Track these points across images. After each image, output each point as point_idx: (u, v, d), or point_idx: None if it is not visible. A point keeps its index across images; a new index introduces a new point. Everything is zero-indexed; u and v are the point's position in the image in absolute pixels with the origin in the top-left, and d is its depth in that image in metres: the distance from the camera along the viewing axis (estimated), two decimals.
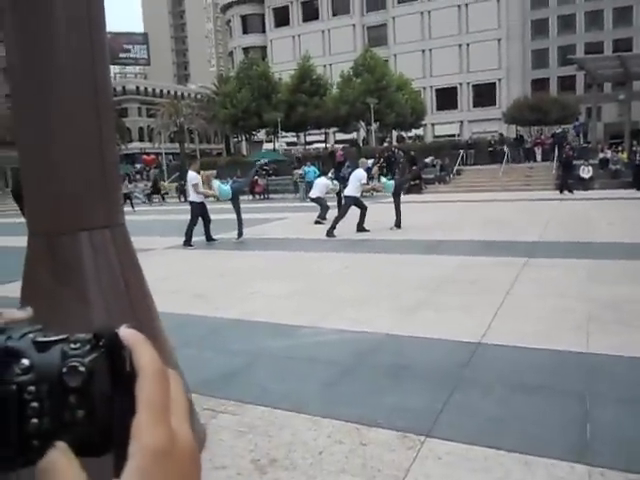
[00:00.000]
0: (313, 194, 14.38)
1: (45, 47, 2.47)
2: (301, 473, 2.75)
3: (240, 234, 11.29)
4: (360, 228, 11.74)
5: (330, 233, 11.26)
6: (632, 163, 22.39)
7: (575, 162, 22.56)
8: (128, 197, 24.92)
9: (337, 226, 11.41)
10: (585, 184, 21.52)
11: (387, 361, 4.22)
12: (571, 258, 7.62)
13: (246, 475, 2.76)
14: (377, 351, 4.47)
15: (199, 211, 10.91)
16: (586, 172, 22.15)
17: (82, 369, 0.33)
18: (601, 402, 3.35)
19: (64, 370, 0.33)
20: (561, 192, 19.88)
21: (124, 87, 72.67)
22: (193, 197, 11.03)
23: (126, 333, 0.37)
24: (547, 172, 24.28)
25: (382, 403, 3.47)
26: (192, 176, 10.97)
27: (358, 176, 11.80)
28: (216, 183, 11.41)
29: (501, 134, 34.87)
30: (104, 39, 2.74)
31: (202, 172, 11.54)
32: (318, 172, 22.31)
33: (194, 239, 10.86)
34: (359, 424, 3.19)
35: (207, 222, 11.11)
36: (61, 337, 0.35)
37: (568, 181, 20.39)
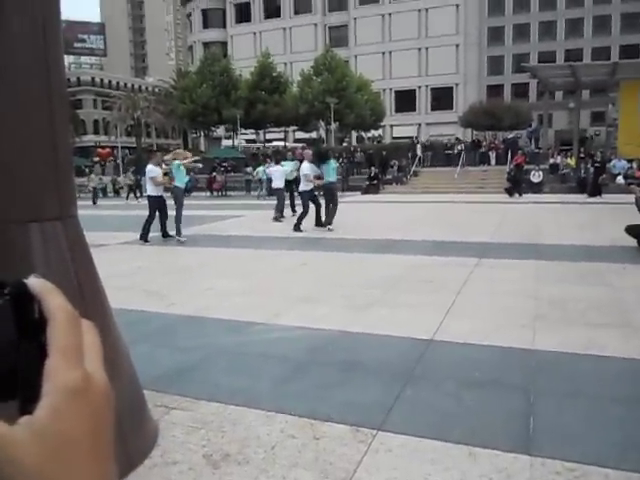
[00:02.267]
0: (275, 184, 14.57)
1: None
2: (254, 467, 2.76)
3: (179, 232, 10.86)
4: (318, 223, 11.88)
5: (297, 228, 11.58)
6: (579, 169, 23.30)
7: (527, 167, 23.32)
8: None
9: (303, 222, 11.67)
10: (535, 188, 22.24)
11: (340, 357, 4.28)
12: (520, 259, 7.88)
13: (198, 470, 2.76)
14: (330, 347, 4.52)
15: (157, 205, 10.72)
16: (537, 176, 22.90)
17: None
18: (544, 396, 3.49)
19: None
20: (511, 195, 20.50)
21: (79, 78, 70.58)
22: (151, 191, 10.84)
23: (34, 282, 0.37)
24: (500, 176, 24.97)
25: (335, 398, 3.52)
26: (150, 168, 10.75)
27: (303, 170, 11.92)
28: (176, 163, 11.08)
29: (457, 138, 35.66)
30: (58, 28, 2.68)
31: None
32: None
33: (150, 235, 10.69)
34: (312, 419, 3.23)
35: (164, 218, 10.92)
36: None
37: (519, 186, 21.05)
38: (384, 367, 4.05)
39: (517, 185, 21.03)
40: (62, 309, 0.36)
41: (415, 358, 4.17)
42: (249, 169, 29.05)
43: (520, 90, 51.68)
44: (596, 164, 21.37)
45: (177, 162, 11.00)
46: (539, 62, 46.05)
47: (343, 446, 2.94)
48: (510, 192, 20.72)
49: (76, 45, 73.79)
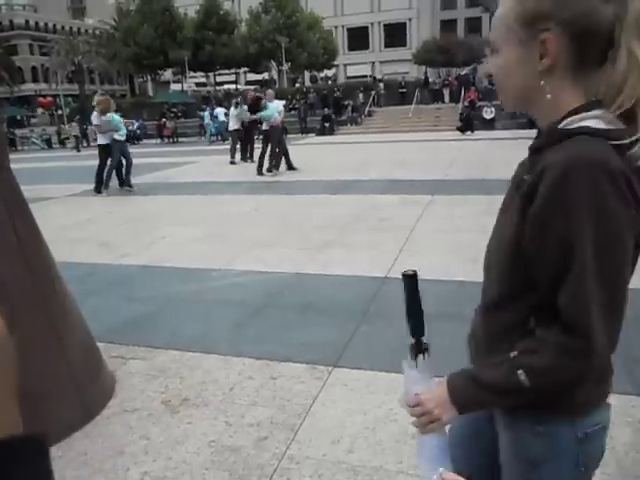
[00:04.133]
0: (231, 126, 14.47)
1: None
2: (213, 409, 2.81)
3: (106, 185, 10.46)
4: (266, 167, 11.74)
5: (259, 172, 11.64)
6: None
7: (480, 103, 23.38)
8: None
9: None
10: (488, 125, 22.42)
11: (296, 300, 4.32)
12: (471, 194, 8.01)
13: (157, 416, 2.79)
14: (286, 290, 4.56)
15: (106, 153, 10.32)
16: (489, 113, 23.04)
17: None
18: None
19: None
20: (463, 132, 20.65)
21: (11, 21, 65.76)
22: (100, 140, 10.44)
23: None
24: (454, 113, 25.01)
25: (292, 339, 3.58)
26: (94, 116, 10.29)
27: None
28: (116, 117, 10.56)
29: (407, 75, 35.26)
30: None
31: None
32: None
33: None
34: (269, 360, 3.29)
35: (102, 166, 10.44)
36: None
37: (470, 123, 21.17)
38: (340, 307, 4.12)
39: (469, 123, 21.15)
40: None
41: (370, 296, 4.25)
42: (204, 113, 28.14)
43: (473, 25, 51.14)
44: None
45: (117, 116, 10.47)
46: None
47: (300, 383, 3.01)
48: (462, 130, 20.84)
49: None
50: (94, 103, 10.56)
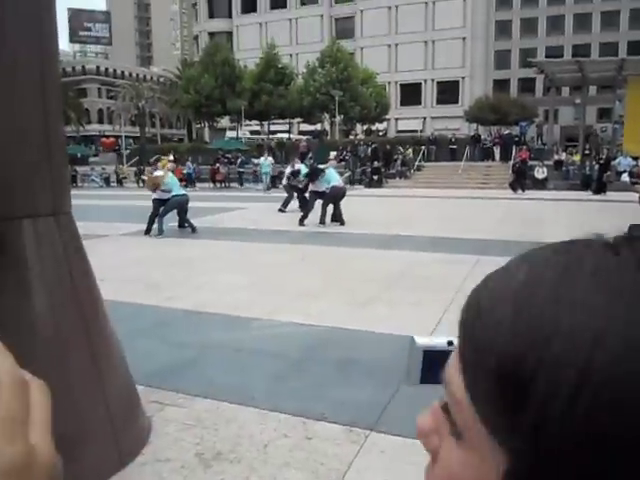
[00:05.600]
0: (285, 181, 15.16)
1: None
2: (245, 466, 2.76)
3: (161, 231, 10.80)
4: (322, 220, 11.92)
5: (301, 222, 11.95)
6: (583, 166, 23.18)
7: (531, 163, 23.17)
8: None
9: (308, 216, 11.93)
10: (539, 184, 22.14)
11: (337, 355, 4.26)
12: None
13: (190, 468, 2.75)
14: (327, 345, 4.51)
15: (175, 205, 10.80)
16: (541, 173, 22.78)
17: None
18: None
19: None
20: (515, 191, 20.43)
21: (84, 67, 70.46)
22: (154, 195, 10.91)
23: None
24: (504, 171, 24.86)
25: (329, 397, 3.51)
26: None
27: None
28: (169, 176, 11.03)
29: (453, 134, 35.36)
30: (53, 20, 2.65)
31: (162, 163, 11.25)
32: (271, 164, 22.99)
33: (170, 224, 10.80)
34: (305, 418, 3.22)
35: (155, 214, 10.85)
36: None
37: (522, 181, 20.95)
38: (381, 365, 4.03)
39: (521, 178, 20.94)
40: (7, 373, 0.33)
41: None
42: (258, 160, 28.91)
43: (526, 85, 51.35)
44: (601, 161, 21.22)
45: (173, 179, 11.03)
46: (546, 57, 45.69)
47: (335, 446, 2.93)
48: (514, 187, 20.62)
49: (81, 33, 73.70)
50: (161, 164, 11.26)
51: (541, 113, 40.08)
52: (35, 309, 2.55)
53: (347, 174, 24.46)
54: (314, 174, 12.36)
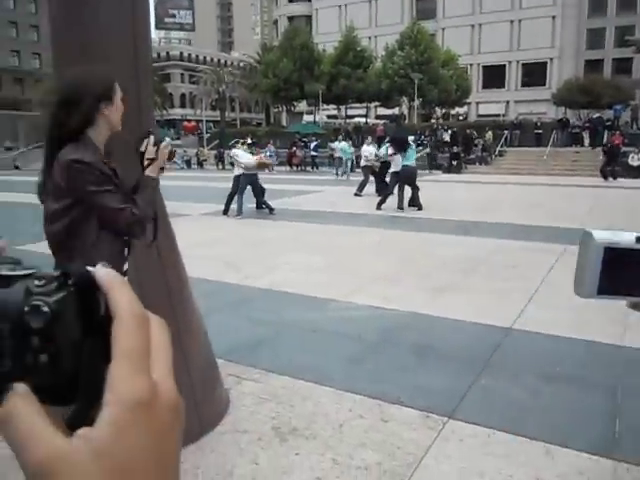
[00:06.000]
0: (363, 162, 14.94)
1: (87, 12, 2.46)
2: (321, 443, 2.77)
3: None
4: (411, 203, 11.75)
5: (379, 207, 11.75)
6: None
7: (625, 149, 21.68)
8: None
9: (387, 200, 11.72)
10: (634, 172, 20.72)
11: (414, 340, 4.19)
12: None
13: (267, 441, 2.80)
14: (404, 329, 4.44)
15: (248, 181, 11.00)
16: (636, 160, 21.30)
17: (45, 309, 0.30)
18: (633, 397, 3.26)
19: (26, 309, 0.30)
20: (605, 179, 19.24)
21: (168, 53, 72.87)
22: (236, 171, 11.13)
23: (102, 273, 0.33)
24: (594, 158, 23.47)
25: (406, 381, 3.46)
26: (241, 154, 11.09)
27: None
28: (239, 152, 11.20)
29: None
30: (147, 5, 2.72)
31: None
32: (350, 148, 22.26)
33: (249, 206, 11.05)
34: (381, 400, 3.19)
35: (233, 194, 11.09)
36: (27, 272, 0.31)
37: (614, 168, 19.68)
38: (459, 353, 3.93)
39: (613, 162, 19.67)
40: (129, 306, 0.32)
41: (492, 346, 4.01)
42: (334, 144, 28.86)
43: (622, 65, 47.93)
44: None
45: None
46: None
47: (412, 431, 2.88)
48: (605, 174, 19.41)
49: (166, 20, 76.03)
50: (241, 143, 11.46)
51: (638, 96, 37.38)
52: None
53: (425, 150, 23.88)
54: (401, 145, 11.74)
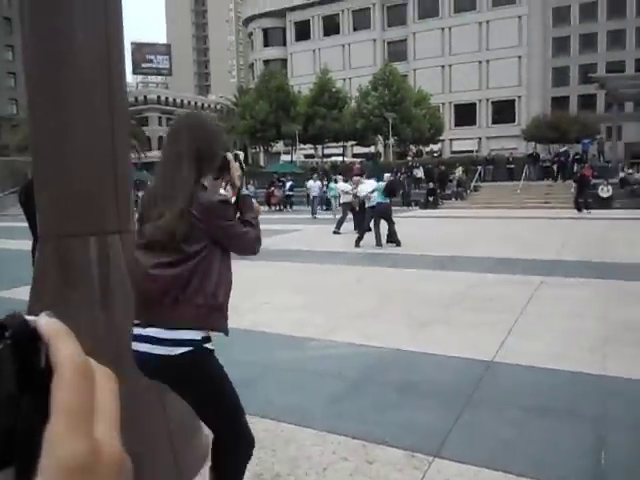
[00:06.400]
0: (342, 199, 15.04)
1: (63, 50, 2.48)
2: None
3: None
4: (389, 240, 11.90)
5: (357, 244, 11.86)
6: None
7: (595, 181, 22.28)
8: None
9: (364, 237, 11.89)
10: (604, 203, 21.25)
11: (396, 377, 4.15)
12: (588, 278, 7.48)
13: None
14: (386, 366, 4.40)
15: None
16: (605, 191, 21.88)
17: None
18: (617, 428, 3.24)
19: None
20: (579, 211, 19.66)
21: (145, 96, 73.66)
22: None
23: (43, 322, 0.30)
24: (566, 190, 24.04)
25: (390, 420, 3.40)
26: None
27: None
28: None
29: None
30: (121, 46, 2.75)
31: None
32: (324, 187, 22.41)
33: None
34: (365, 441, 3.12)
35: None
36: None
37: (587, 200, 20.15)
38: (442, 389, 3.89)
39: (585, 191, 20.14)
40: (71, 358, 0.30)
41: (474, 380, 3.99)
42: (309, 183, 29.09)
43: (587, 102, 49.82)
44: None
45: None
46: (607, 72, 44.27)
47: (397, 472, 2.82)
48: (579, 206, 19.81)
49: (144, 65, 77.24)
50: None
51: (603, 130, 38.71)
52: (99, 324, 2.60)
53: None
54: (394, 191, 12.21)
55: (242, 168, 2.14)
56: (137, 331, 1.98)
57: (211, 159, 1.99)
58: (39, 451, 0.28)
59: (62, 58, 2.48)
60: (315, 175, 24.75)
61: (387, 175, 13.52)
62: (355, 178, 13.64)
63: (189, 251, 1.89)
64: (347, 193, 14.30)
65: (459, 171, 27.96)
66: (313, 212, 21.87)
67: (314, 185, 22.90)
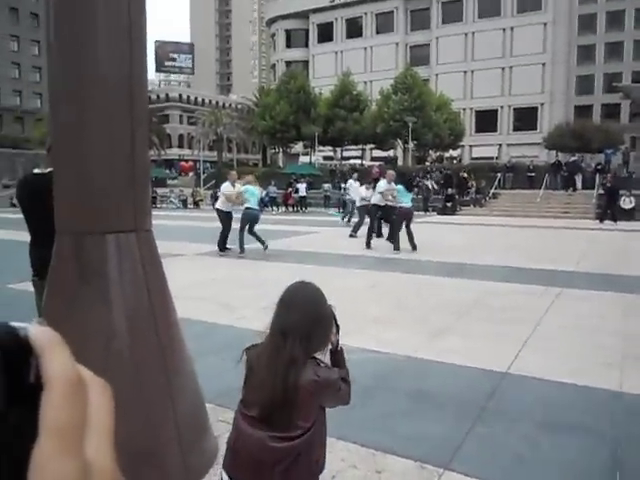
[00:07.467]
0: (358, 203, 14.67)
1: (84, 48, 2.49)
2: None
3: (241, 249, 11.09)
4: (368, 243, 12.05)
5: (367, 245, 12.07)
6: None
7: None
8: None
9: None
10: (627, 215, 20.90)
11: (408, 385, 4.10)
12: (607, 291, 7.35)
13: None
14: (399, 374, 4.36)
15: (223, 218, 11.00)
16: (628, 203, 21.54)
17: None
18: (633, 447, 3.17)
19: None
20: (601, 222, 19.33)
21: (167, 94, 74.27)
22: (220, 205, 11.17)
23: (34, 333, 0.28)
24: (587, 200, 23.71)
25: (400, 429, 3.36)
26: (224, 185, 11.20)
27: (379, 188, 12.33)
28: (251, 188, 11.36)
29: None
30: (143, 45, 2.75)
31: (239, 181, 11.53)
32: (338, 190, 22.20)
33: (246, 246, 11.03)
34: (375, 450, 3.09)
35: (226, 232, 11.08)
36: None
37: (614, 211, 19.73)
38: (454, 399, 3.84)
39: (612, 203, 19.78)
40: (63, 371, 0.28)
41: (488, 392, 3.93)
42: (326, 186, 29.27)
43: (611, 111, 49.15)
44: None
45: (251, 188, 11.28)
46: (633, 82, 43.60)
47: None
48: (602, 217, 19.45)
49: (167, 64, 77.94)
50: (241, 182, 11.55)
51: (627, 140, 38.12)
52: (114, 321, 2.60)
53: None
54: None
55: (337, 326, 2.09)
56: None
57: (322, 343, 1.99)
58: (26, 471, 0.26)
59: (83, 56, 2.49)
60: (355, 174, 19.19)
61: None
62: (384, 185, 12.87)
63: (305, 426, 1.89)
64: (364, 199, 14.13)
65: (471, 178, 27.63)
66: (349, 216, 18.15)
67: (354, 186, 16.83)
